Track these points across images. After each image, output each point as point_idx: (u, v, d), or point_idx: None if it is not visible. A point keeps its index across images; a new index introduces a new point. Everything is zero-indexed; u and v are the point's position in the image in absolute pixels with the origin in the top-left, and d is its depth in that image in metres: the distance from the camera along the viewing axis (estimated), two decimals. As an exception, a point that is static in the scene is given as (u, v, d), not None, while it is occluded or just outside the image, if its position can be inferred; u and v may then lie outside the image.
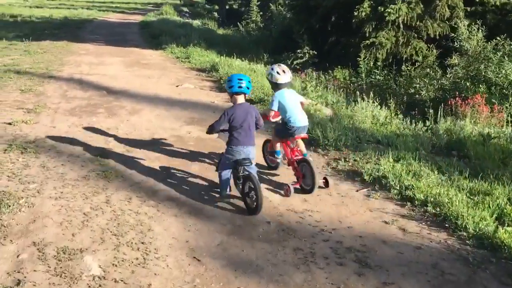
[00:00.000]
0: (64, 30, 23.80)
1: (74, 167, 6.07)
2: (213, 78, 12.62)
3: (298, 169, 5.62)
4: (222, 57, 15.39)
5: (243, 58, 16.43)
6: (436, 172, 6.31)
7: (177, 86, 11.42)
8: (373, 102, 9.35)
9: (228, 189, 5.23)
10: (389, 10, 13.63)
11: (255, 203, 4.83)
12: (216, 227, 4.78)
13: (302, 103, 5.69)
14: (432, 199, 5.45)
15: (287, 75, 5.42)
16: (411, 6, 13.83)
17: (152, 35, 21.74)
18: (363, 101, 9.37)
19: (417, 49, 14.26)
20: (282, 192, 5.60)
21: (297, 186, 5.63)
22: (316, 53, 15.34)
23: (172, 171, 6.17)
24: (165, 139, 7.45)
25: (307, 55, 15.20)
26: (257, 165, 5.72)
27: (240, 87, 4.82)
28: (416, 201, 5.50)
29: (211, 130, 5.05)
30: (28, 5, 38.99)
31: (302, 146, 5.84)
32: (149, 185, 5.68)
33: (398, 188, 5.81)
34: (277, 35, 21.10)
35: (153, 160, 6.52)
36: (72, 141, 7.04)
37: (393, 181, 5.95)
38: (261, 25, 28.69)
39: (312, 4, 15.86)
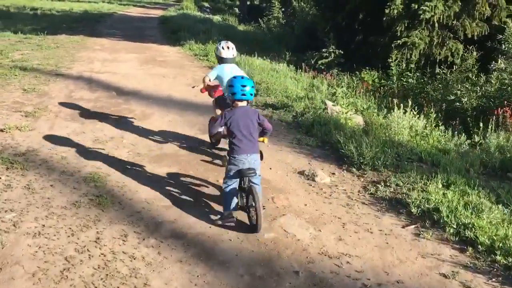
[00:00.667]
0: (82, 24, 22.93)
1: (65, 189, 5.03)
2: (232, 78, 11.48)
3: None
4: (242, 55, 14.27)
5: (264, 57, 15.31)
6: (495, 202, 5.13)
7: (193, 87, 10.06)
8: (411, 111, 8.13)
9: (233, 206, 4.46)
10: (424, 8, 12.32)
11: (255, 221, 4.28)
12: (231, 279, 3.71)
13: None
14: (500, 244, 4.27)
15: (230, 52, 5.85)
16: (448, 4, 12.49)
17: (171, 31, 20.70)
18: (398, 108, 8.15)
19: (453, 51, 12.93)
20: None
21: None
22: (342, 52, 14.07)
23: (181, 194, 5.10)
24: (176, 152, 6.38)
25: (332, 55, 13.97)
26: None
27: (244, 94, 4.26)
28: (479, 246, 4.32)
29: (210, 131, 4.75)
30: (50, -1, 38.35)
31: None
32: (151, 215, 4.62)
33: (454, 226, 4.64)
34: (300, 32, 19.87)
35: (159, 180, 5.44)
36: (68, 154, 6.00)
37: (447, 216, 4.77)
38: (282, 21, 27.44)
39: (340, 0, 14.56)
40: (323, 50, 14.11)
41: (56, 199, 4.77)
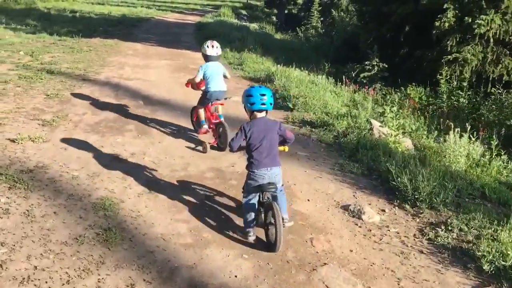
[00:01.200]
0: (118, 28, 22.56)
1: (69, 218, 4.27)
2: (268, 90, 10.65)
3: (215, 130, 6.41)
4: (278, 65, 13.46)
5: (302, 67, 14.44)
6: None
7: (225, 98, 9.51)
8: (470, 137, 7.10)
9: (253, 225, 4.13)
10: (479, 22, 11.22)
11: (274, 239, 3.90)
12: None
13: (225, 76, 6.46)
14: None
15: (215, 50, 6.34)
16: (506, 18, 11.34)
17: (207, 37, 19.99)
18: (454, 132, 7.11)
19: (509, 69, 11.76)
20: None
21: (214, 144, 6.43)
22: (386, 66, 13.04)
23: (204, 228, 4.29)
24: (202, 174, 5.57)
25: (376, 68, 12.97)
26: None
27: (263, 104, 3.99)
28: None
29: (231, 148, 4.17)
30: (90, 2, 38.51)
31: (219, 110, 6.54)
32: (166, 257, 3.81)
33: (541, 293, 3.62)
34: (339, 43, 18.90)
35: (180, 209, 4.65)
36: (81, 173, 5.27)
37: (531, 279, 3.77)
38: (321, 31, 26.53)
39: (385, 11, 13.56)
40: (366, 63, 13.12)
41: (56, 231, 4.01)
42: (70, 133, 6.61)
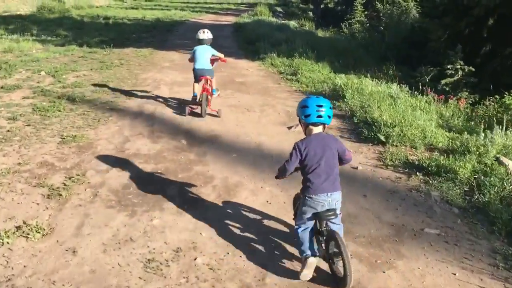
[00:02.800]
0: (153, 33, 20.38)
1: None
2: (339, 111, 8.12)
3: (197, 98, 7.55)
4: (340, 74, 10.92)
5: (362, 72, 11.85)
6: None
7: (289, 127, 7.08)
8: None
9: (310, 248, 3.36)
10: None
11: (343, 272, 3.13)
12: None
13: (220, 59, 7.67)
14: None
15: (206, 35, 7.44)
16: None
17: (247, 40, 17.59)
18: None
19: None
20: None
21: (195, 110, 7.47)
22: (473, 70, 10.26)
23: None
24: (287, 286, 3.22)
25: (460, 73, 10.23)
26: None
27: (320, 116, 3.21)
28: None
29: (282, 173, 3.38)
30: (124, 7, 36.61)
31: (213, 85, 7.56)
32: None
33: None
34: (398, 40, 16.05)
35: None
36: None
37: None
38: (366, 25, 23.60)
39: (465, 2, 10.75)
40: (448, 66, 10.35)
41: None
42: (85, 212, 4.29)
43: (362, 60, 15.17)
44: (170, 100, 8.51)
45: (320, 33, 24.32)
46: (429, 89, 9.77)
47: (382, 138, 6.36)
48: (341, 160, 3.37)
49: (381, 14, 24.85)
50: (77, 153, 5.71)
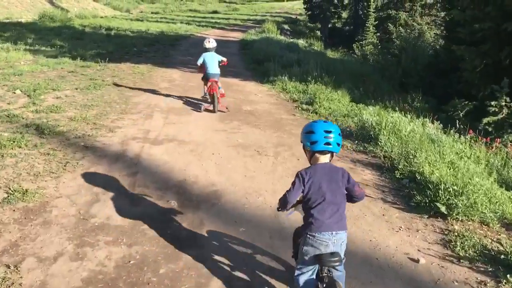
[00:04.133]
0: (155, 47, 18.68)
1: None
2: (372, 159, 6.31)
3: (210, 98, 8.21)
4: (360, 105, 9.20)
5: (387, 104, 10.12)
6: None
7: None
8: None
9: None
10: None
11: None
12: None
13: (223, 62, 8.47)
14: None
15: (212, 44, 8.37)
16: None
17: (255, 60, 15.84)
18: None
19: None
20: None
21: (209, 108, 8.28)
22: (523, 108, 8.50)
23: None
24: None
25: (504, 111, 8.43)
26: None
27: (328, 143, 2.75)
28: None
29: (283, 205, 2.85)
30: (130, 18, 35.02)
31: (218, 85, 8.14)
32: None
33: None
34: (421, 68, 14.30)
35: None
36: None
37: None
38: (378, 48, 21.95)
39: (509, 30, 9.02)
40: (492, 103, 8.58)
41: None
42: None
43: (381, 86, 13.46)
44: (162, 136, 6.69)
45: (330, 53, 22.66)
46: (469, 129, 8.00)
47: (443, 209, 4.54)
48: (351, 198, 2.86)
49: (393, 37, 23.23)
50: (20, 223, 3.90)
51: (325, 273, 2.81)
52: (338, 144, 2.79)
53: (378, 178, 5.64)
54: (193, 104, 8.83)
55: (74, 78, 10.68)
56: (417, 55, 17.49)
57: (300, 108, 9.11)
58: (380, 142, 6.61)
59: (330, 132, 2.75)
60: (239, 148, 6.37)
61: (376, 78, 14.56)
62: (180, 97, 9.40)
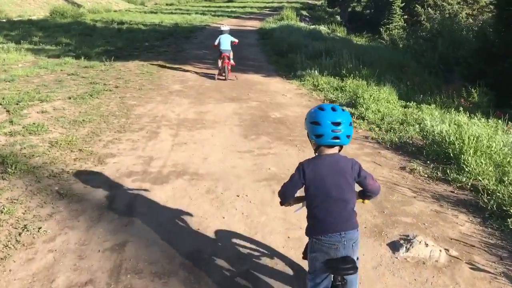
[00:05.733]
0: (168, 41, 16.78)
1: None
2: (458, 189, 4.31)
3: (221, 69, 9.59)
4: (414, 104, 7.20)
5: (439, 100, 8.08)
6: None
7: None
8: None
9: None
10: None
11: None
12: None
13: (235, 42, 9.67)
14: None
15: (226, 27, 9.76)
16: None
17: (277, 51, 13.83)
18: None
19: None
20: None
21: (220, 77, 9.60)
22: None
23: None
24: None
25: None
26: None
27: (337, 137, 2.20)
28: None
29: (282, 198, 2.34)
30: (144, 11, 33.12)
31: (230, 58, 9.51)
32: None
33: None
34: (470, 54, 12.06)
35: None
36: None
37: None
38: (408, 31, 19.62)
39: None
40: None
41: None
42: None
43: (423, 77, 11.30)
44: (168, 166, 4.80)
45: (355, 39, 20.40)
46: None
47: None
48: (364, 193, 2.38)
49: (422, 19, 20.83)
50: None
51: (338, 281, 2.24)
52: (348, 136, 2.23)
53: (483, 230, 3.66)
54: (212, 119, 6.92)
55: (72, 83, 8.90)
56: (455, 39, 15.22)
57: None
58: (465, 164, 4.60)
59: (339, 124, 2.17)
60: (272, 182, 4.44)
61: (415, 67, 12.37)
62: (193, 103, 7.50)
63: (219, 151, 5.29)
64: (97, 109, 6.84)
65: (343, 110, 2.26)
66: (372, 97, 7.50)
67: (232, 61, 9.67)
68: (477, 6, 20.26)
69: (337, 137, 2.19)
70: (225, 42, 9.47)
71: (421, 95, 8.61)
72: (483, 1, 19.89)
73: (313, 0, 39.91)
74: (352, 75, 9.18)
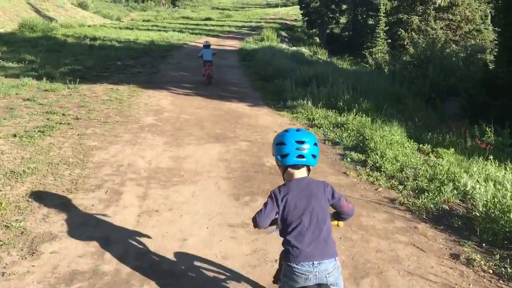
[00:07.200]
0: (143, 60, 15.21)
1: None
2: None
3: (207, 76, 10.94)
4: (434, 148, 5.92)
5: (455, 140, 6.85)
6: None
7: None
8: None
9: None
10: None
11: None
12: None
13: (215, 54, 11.22)
14: None
15: (207, 43, 11.37)
16: None
17: (262, 75, 12.45)
18: None
19: None
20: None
21: (204, 83, 10.89)
22: None
23: None
24: None
25: None
26: None
27: (301, 156, 2.15)
28: None
29: (257, 226, 2.19)
30: (119, 26, 31.32)
31: (212, 68, 10.95)
32: None
33: None
34: (471, 84, 10.95)
35: None
36: None
37: None
38: (394, 55, 18.67)
39: None
40: None
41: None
42: None
43: (423, 109, 10.12)
44: (131, 259, 3.25)
45: (338, 62, 19.31)
46: None
47: None
48: (339, 215, 2.28)
49: (406, 43, 19.98)
50: None
51: None
52: (314, 156, 2.17)
53: None
54: (190, 157, 5.40)
55: (25, 111, 7.26)
56: (446, 66, 14.25)
57: (349, 159, 5.70)
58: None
59: (303, 142, 2.15)
60: None
61: (411, 96, 11.21)
62: (169, 144, 5.97)
63: (203, 225, 3.78)
64: (46, 154, 5.22)
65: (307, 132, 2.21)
66: (382, 139, 6.14)
67: (214, 76, 11.23)
68: (460, 32, 19.53)
69: (302, 156, 2.12)
70: (207, 54, 10.89)
71: (429, 133, 7.35)
72: (466, 27, 19.17)
73: (291, 21, 39.04)
74: (350, 108, 7.84)
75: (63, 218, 3.70)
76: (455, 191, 4.61)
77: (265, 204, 2.16)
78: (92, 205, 3.99)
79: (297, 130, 2.24)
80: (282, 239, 2.16)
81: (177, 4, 58.50)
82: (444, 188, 4.63)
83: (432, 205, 4.33)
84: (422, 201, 4.39)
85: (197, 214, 4.00)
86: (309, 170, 2.22)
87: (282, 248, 2.18)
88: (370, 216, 4.12)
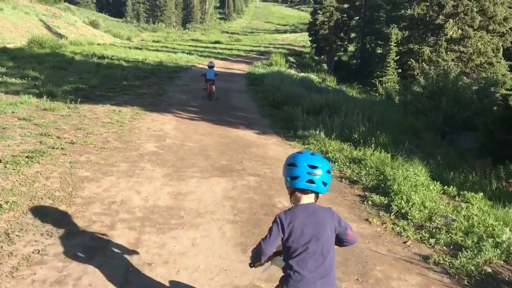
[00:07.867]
0: (149, 81, 14.72)
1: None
2: None
3: (208, 94, 11.72)
4: (459, 191, 5.25)
5: (478, 181, 6.17)
6: None
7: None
8: None
9: None
10: None
11: None
12: None
13: (217, 75, 12.12)
14: None
15: (212, 64, 12.42)
16: None
17: (270, 101, 11.90)
18: None
19: None
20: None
21: (206, 99, 11.60)
22: None
23: None
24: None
25: None
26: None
27: (311, 181, 2.06)
28: None
29: (257, 257, 2.15)
30: (128, 46, 31.18)
31: (213, 85, 11.80)
32: None
33: None
34: (491, 120, 10.32)
35: None
36: None
37: None
38: (405, 86, 18.13)
39: None
40: None
41: None
42: None
43: (441, 145, 9.47)
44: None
45: (347, 90, 18.79)
46: None
47: None
48: (341, 241, 2.17)
49: (416, 73, 19.45)
50: None
51: None
52: (325, 184, 2.08)
53: None
54: (192, 193, 4.74)
55: (18, 132, 6.65)
56: (460, 99, 13.66)
57: (370, 203, 5.03)
58: None
59: (315, 167, 2.05)
60: None
61: (426, 130, 10.57)
62: (170, 176, 5.31)
63: (203, 286, 3.08)
64: (30, 185, 4.57)
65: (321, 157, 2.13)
66: (405, 180, 5.46)
67: (215, 94, 11.93)
68: (471, 64, 19.02)
69: (312, 181, 2.03)
70: (210, 73, 11.91)
71: (451, 173, 6.67)
72: (478, 59, 18.67)
73: (299, 47, 38.88)
74: (367, 141, 7.20)
75: (35, 274, 3.02)
76: (497, 249, 3.91)
77: (270, 230, 2.08)
78: (74, 256, 3.31)
79: (312, 153, 2.13)
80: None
81: (188, 27, 58.84)
82: (484, 245, 3.93)
83: (472, 267, 3.63)
84: (461, 261, 3.69)
85: (196, 270, 3.31)
86: (317, 197, 2.12)
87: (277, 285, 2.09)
88: (401, 280, 3.42)
